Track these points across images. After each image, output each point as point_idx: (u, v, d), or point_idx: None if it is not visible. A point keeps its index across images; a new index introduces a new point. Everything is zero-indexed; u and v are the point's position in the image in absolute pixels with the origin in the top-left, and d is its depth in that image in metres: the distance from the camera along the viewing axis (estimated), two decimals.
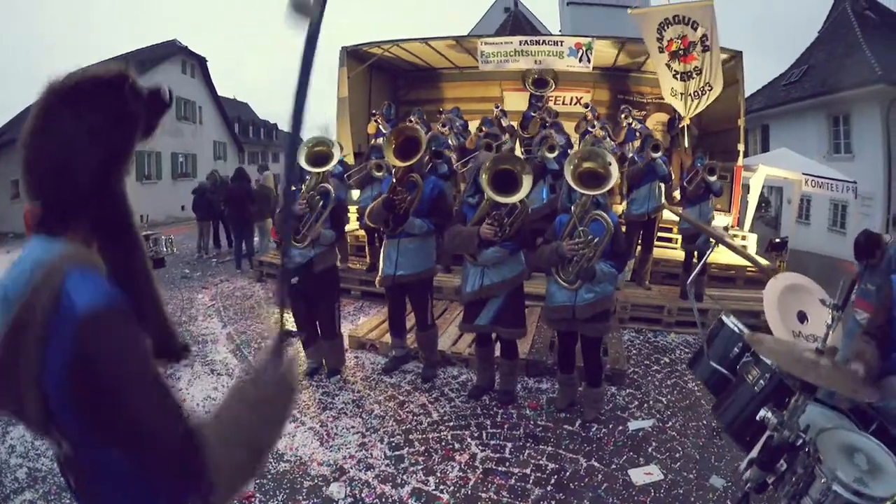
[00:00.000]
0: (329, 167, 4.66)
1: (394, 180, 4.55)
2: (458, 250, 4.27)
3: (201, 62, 26.01)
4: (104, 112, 1.05)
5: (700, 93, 9.24)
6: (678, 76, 9.33)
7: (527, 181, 4.04)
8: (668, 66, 9.36)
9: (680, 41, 9.13)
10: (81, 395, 0.91)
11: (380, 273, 4.82)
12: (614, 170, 3.92)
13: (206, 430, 1.00)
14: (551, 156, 6.90)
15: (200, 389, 4.87)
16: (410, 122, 9.61)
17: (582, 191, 3.89)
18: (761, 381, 2.06)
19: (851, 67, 15.33)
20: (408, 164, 4.45)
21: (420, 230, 4.58)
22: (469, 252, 4.19)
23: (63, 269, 0.95)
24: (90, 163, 1.04)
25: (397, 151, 4.51)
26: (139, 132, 1.13)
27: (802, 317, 2.94)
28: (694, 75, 9.18)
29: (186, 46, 24.72)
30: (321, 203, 4.57)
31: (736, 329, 2.52)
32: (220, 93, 27.57)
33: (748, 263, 8.52)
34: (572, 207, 4.03)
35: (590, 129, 9.33)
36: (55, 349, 0.90)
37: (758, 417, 1.72)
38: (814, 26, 21.46)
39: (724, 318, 2.60)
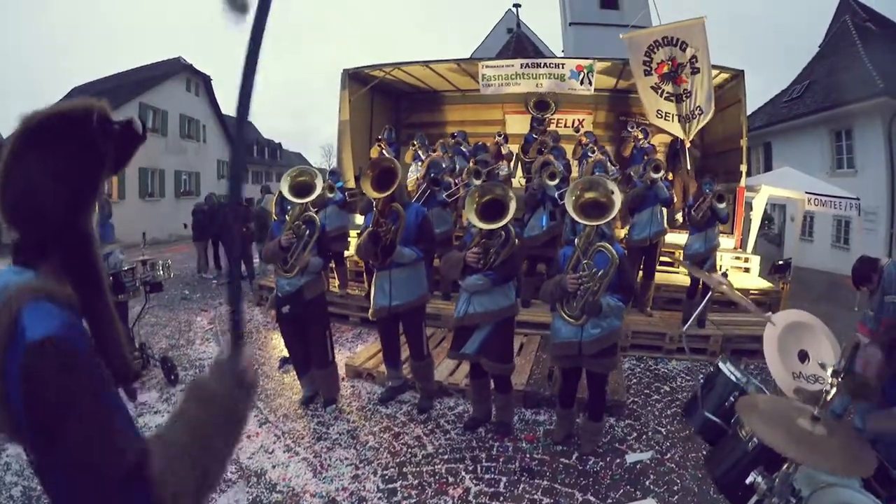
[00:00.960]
0: (311, 198, 4.66)
1: (376, 212, 4.54)
2: (448, 274, 4.27)
3: (206, 80, 26.21)
4: (68, 151, 1.06)
5: (691, 116, 9.22)
6: (671, 98, 9.30)
7: (512, 206, 4.01)
8: (658, 87, 9.34)
9: (670, 62, 9.12)
10: (32, 417, 0.93)
11: (372, 306, 4.78)
12: (617, 198, 3.85)
13: (153, 445, 0.99)
14: (552, 183, 6.81)
15: None
16: (414, 145, 9.63)
17: (584, 222, 3.82)
18: (755, 439, 1.99)
19: (853, 81, 15.34)
20: (386, 194, 4.43)
21: (409, 259, 4.56)
22: (456, 277, 4.19)
23: (21, 299, 0.97)
24: (57, 201, 1.05)
25: (375, 183, 4.50)
26: (107, 168, 1.13)
27: (804, 356, 2.86)
28: (684, 98, 9.16)
29: (191, 64, 24.98)
30: (307, 232, 4.61)
31: (733, 377, 2.44)
32: (224, 111, 27.75)
33: (751, 286, 8.51)
34: (576, 240, 3.97)
35: (589, 153, 9.28)
36: (11, 373, 0.93)
37: (747, 482, 1.66)
38: (815, 41, 21.52)
39: (720, 364, 2.53)
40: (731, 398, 2.37)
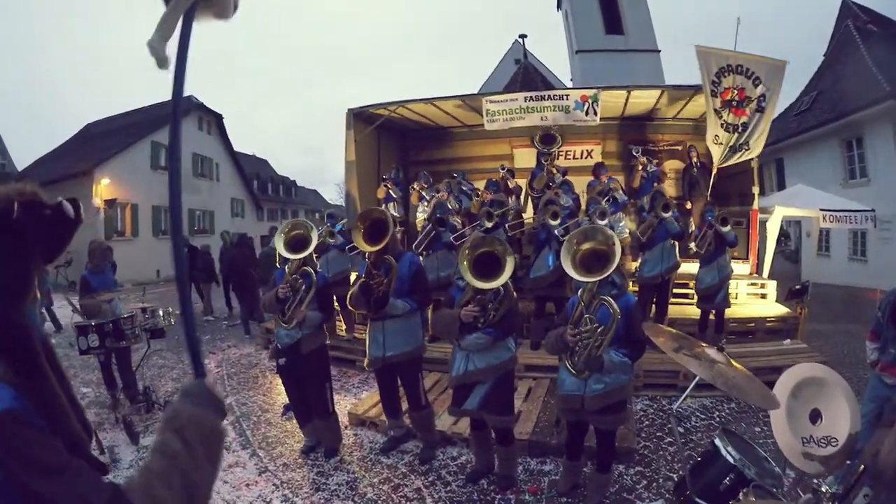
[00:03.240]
0: (307, 253, 4.63)
1: (368, 263, 4.47)
2: (442, 334, 4.10)
3: (218, 119, 26.58)
4: None
5: (736, 148, 8.94)
6: (725, 126, 8.99)
7: (510, 264, 3.85)
8: (719, 112, 9.00)
9: (736, 92, 8.83)
10: (12, 484, 0.94)
11: (367, 356, 4.69)
12: (618, 247, 3.60)
13: (135, 480, 1.02)
14: (554, 223, 6.63)
15: None
16: (420, 187, 9.51)
17: (583, 279, 3.59)
18: None
19: (860, 88, 15.11)
20: (376, 248, 4.36)
21: (402, 310, 4.47)
22: (452, 336, 4.04)
23: None
24: None
25: (366, 235, 4.43)
26: (38, 257, 1.09)
27: (816, 416, 2.65)
28: (739, 129, 8.88)
29: (203, 103, 25.33)
30: (303, 287, 4.59)
31: (730, 458, 2.25)
32: (239, 149, 28.10)
33: (767, 314, 8.23)
34: (579, 292, 3.74)
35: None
36: None
37: None
38: (819, 50, 21.24)
39: (717, 441, 2.34)
40: (727, 481, 2.19)
